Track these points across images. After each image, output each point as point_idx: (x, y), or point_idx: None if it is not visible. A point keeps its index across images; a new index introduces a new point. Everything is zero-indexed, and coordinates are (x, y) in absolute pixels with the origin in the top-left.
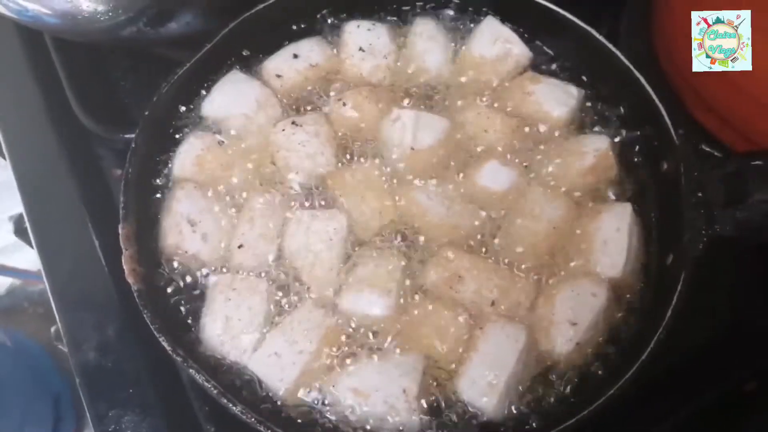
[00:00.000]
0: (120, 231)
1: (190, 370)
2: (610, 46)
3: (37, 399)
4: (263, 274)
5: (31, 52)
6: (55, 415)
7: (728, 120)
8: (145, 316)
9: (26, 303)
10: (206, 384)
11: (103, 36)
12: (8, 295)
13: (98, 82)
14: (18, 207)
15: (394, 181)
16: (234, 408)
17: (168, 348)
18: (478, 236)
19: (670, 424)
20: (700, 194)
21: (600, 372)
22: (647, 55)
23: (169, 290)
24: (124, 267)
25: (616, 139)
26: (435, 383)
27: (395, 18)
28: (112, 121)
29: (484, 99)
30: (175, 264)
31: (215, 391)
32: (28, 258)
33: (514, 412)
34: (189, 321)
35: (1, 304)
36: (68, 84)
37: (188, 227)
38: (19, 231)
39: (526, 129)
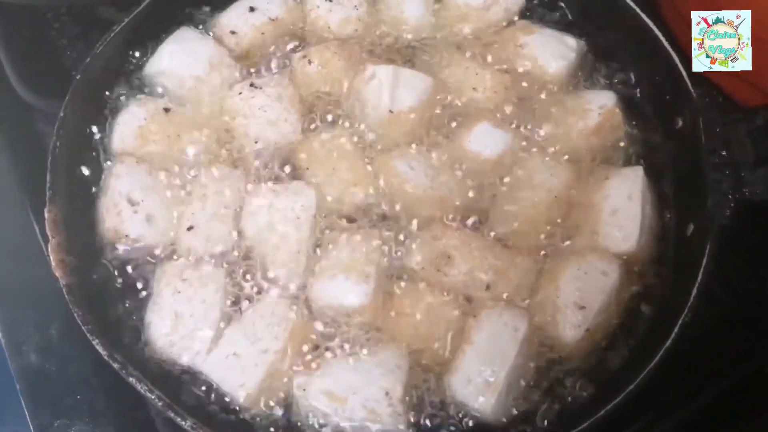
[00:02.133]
0: (46, 215)
1: (131, 379)
2: None
3: (11, 396)
4: (219, 261)
5: None
6: None
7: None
8: (75, 315)
9: None
10: (149, 395)
11: None
12: None
13: (41, 53)
14: None
15: (370, 148)
16: (183, 423)
17: (103, 353)
18: (469, 209)
19: (688, 411)
20: (724, 153)
21: (615, 363)
22: (648, 4)
23: (108, 283)
24: (51, 257)
25: (623, 95)
26: (423, 383)
27: None
28: (58, 95)
29: (472, 53)
30: (116, 252)
31: (160, 403)
32: None
33: (516, 413)
34: (133, 319)
35: None
36: (6, 54)
37: (129, 208)
38: None
39: (520, 86)
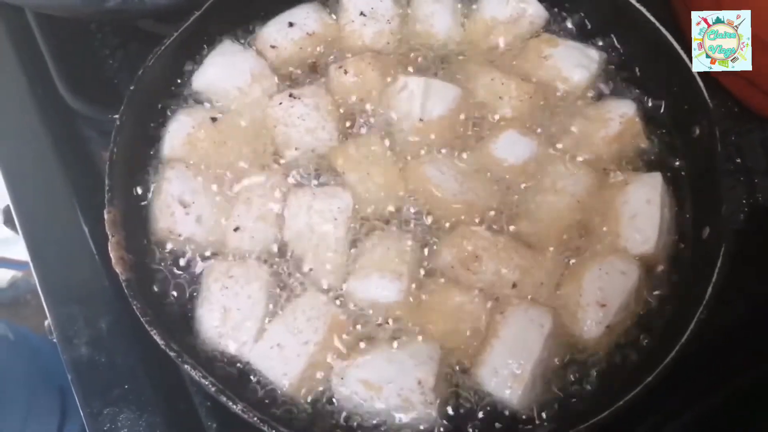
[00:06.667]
0: (105, 216)
1: (186, 366)
2: (634, 1)
3: (42, 391)
4: (262, 259)
5: (12, 31)
6: (62, 407)
7: (755, 81)
8: (134, 307)
9: (29, 295)
10: (203, 381)
11: (87, 9)
12: (11, 288)
13: (85, 61)
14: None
15: (403, 154)
16: (234, 406)
17: (161, 342)
18: (496, 212)
19: (701, 408)
20: (738, 160)
21: (633, 358)
22: (664, 13)
23: (161, 279)
24: (111, 255)
25: (642, 104)
26: (453, 374)
27: None
28: (101, 101)
29: (498, 64)
30: (168, 250)
31: (213, 389)
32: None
33: (540, 403)
34: (184, 312)
35: (4, 296)
36: (53, 64)
37: (181, 209)
38: (9, 221)
39: (545, 95)
